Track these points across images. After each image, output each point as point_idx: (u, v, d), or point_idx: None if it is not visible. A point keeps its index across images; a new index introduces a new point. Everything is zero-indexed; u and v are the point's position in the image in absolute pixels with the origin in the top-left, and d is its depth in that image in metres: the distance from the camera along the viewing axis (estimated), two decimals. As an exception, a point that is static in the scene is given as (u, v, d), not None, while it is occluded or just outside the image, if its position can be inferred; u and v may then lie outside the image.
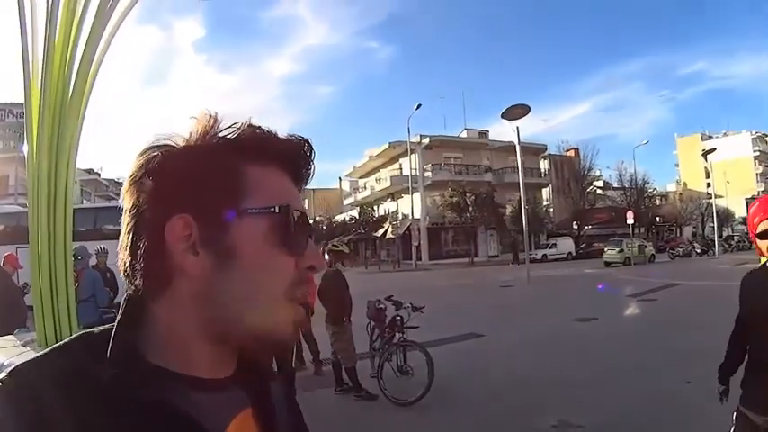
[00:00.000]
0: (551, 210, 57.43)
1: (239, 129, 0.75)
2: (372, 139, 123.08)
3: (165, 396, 0.66)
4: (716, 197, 53.25)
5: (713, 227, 54.98)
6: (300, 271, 0.74)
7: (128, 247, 0.71)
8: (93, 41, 5.38)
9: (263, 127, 0.76)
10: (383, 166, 57.68)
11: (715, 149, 53.41)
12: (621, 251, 37.61)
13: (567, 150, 61.29)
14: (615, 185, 62.89)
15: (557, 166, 59.00)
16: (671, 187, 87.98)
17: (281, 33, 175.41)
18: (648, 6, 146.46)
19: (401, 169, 52.66)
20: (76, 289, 6.52)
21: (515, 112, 26.94)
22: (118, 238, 0.73)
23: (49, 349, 0.70)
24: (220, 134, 0.74)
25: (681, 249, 47.65)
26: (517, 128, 26.41)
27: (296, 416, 0.93)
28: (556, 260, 44.90)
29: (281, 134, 0.78)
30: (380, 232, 50.66)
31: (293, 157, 0.79)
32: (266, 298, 0.72)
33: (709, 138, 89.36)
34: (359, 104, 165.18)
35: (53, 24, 5.12)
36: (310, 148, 0.80)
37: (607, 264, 36.92)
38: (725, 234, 58.12)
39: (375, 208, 57.41)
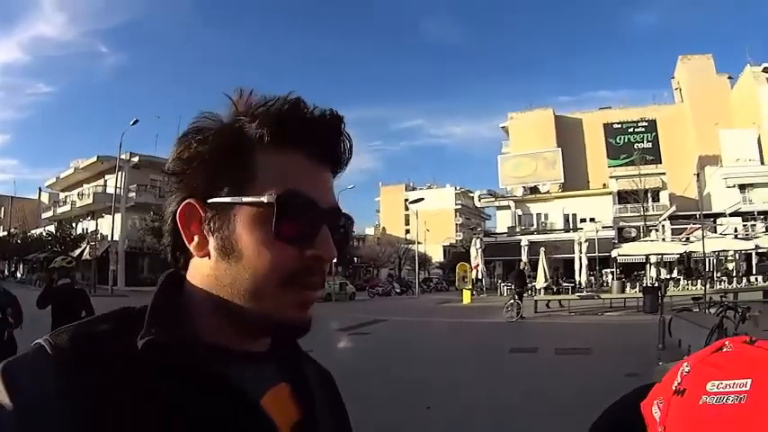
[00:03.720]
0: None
1: (265, 107, 0.73)
2: (82, 151, 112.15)
3: (197, 361, 0.68)
4: (417, 243, 57.81)
5: (409, 269, 59.59)
6: (306, 260, 0.71)
7: (165, 226, 0.78)
8: None
9: (297, 102, 0.74)
10: (88, 180, 53.37)
11: (423, 199, 57.75)
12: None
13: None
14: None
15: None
16: (369, 231, 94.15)
17: (16, 15, 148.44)
18: (373, 59, 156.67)
19: (105, 186, 49.40)
20: None
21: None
22: None
23: (88, 318, 0.73)
24: (244, 115, 0.74)
25: (381, 288, 50.76)
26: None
27: (338, 409, 0.94)
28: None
29: (315, 109, 0.75)
30: (77, 252, 46.37)
31: (316, 137, 0.74)
32: (266, 286, 0.70)
33: (414, 188, 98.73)
34: (75, 110, 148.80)
35: None
36: (337, 126, 0.76)
37: (308, 300, 37.87)
38: (422, 276, 62.79)
39: (74, 225, 52.87)
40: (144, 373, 0.65)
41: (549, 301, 25.85)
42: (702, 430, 0.66)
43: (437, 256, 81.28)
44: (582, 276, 34.61)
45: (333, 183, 0.80)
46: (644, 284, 28.49)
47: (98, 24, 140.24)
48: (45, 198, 66.54)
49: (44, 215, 61.36)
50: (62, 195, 59.40)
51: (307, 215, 0.72)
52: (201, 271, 0.75)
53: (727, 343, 0.71)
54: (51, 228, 53.98)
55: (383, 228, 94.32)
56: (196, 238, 0.74)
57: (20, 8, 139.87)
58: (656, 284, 26.10)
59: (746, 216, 45.72)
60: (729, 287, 25.51)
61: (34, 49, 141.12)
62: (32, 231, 58.50)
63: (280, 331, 0.75)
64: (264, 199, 0.70)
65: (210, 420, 0.67)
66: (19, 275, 59.58)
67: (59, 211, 57.27)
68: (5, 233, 62.70)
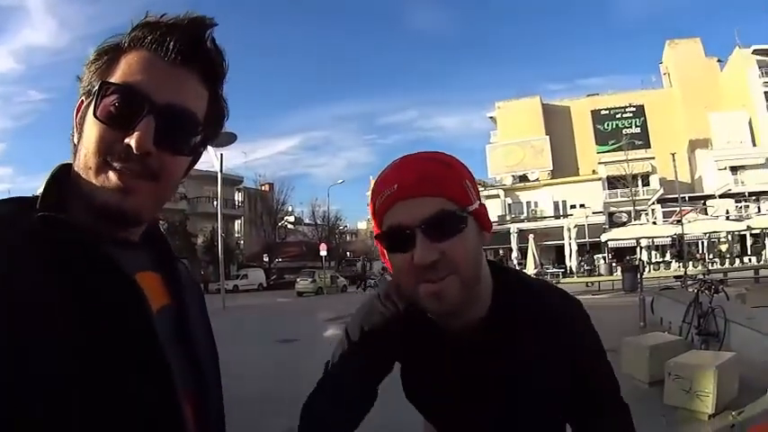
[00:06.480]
0: (242, 241, 57.57)
1: (143, 20, 0.84)
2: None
3: (84, 237, 0.77)
4: (408, 235, 56.47)
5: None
6: (121, 144, 0.78)
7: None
8: None
9: (177, 16, 0.83)
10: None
11: (407, 192, 56.95)
12: (314, 281, 39.01)
13: (263, 185, 61.82)
14: (308, 221, 64.50)
15: (251, 199, 59.17)
16: (362, 225, 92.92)
17: (3, 26, 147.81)
18: (367, 51, 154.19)
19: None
20: None
21: (220, 139, 25.87)
22: None
23: None
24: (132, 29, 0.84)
25: (372, 281, 49.89)
26: (221, 155, 25.53)
27: (204, 310, 1.11)
28: (247, 290, 44.70)
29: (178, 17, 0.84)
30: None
31: (164, 40, 0.81)
32: (90, 163, 0.79)
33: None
34: (71, 114, 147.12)
35: None
36: (191, 31, 0.83)
37: (300, 293, 37.86)
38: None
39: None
40: (37, 243, 0.74)
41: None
42: None
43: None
44: (572, 262, 34.06)
45: (200, 86, 0.86)
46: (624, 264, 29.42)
47: (91, 29, 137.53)
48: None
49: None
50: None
51: (125, 102, 0.79)
52: (76, 156, 0.83)
53: None
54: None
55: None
56: (77, 128, 0.85)
57: (6, 18, 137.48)
58: (635, 264, 26.91)
59: (738, 198, 45.85)
60: (722, 268, 26.60)
61: (27, 57, 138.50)
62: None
63: (103, 214, 0.80)
64: (96, 86, 0.81)
65: (90, 287, 0.75)
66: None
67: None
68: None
